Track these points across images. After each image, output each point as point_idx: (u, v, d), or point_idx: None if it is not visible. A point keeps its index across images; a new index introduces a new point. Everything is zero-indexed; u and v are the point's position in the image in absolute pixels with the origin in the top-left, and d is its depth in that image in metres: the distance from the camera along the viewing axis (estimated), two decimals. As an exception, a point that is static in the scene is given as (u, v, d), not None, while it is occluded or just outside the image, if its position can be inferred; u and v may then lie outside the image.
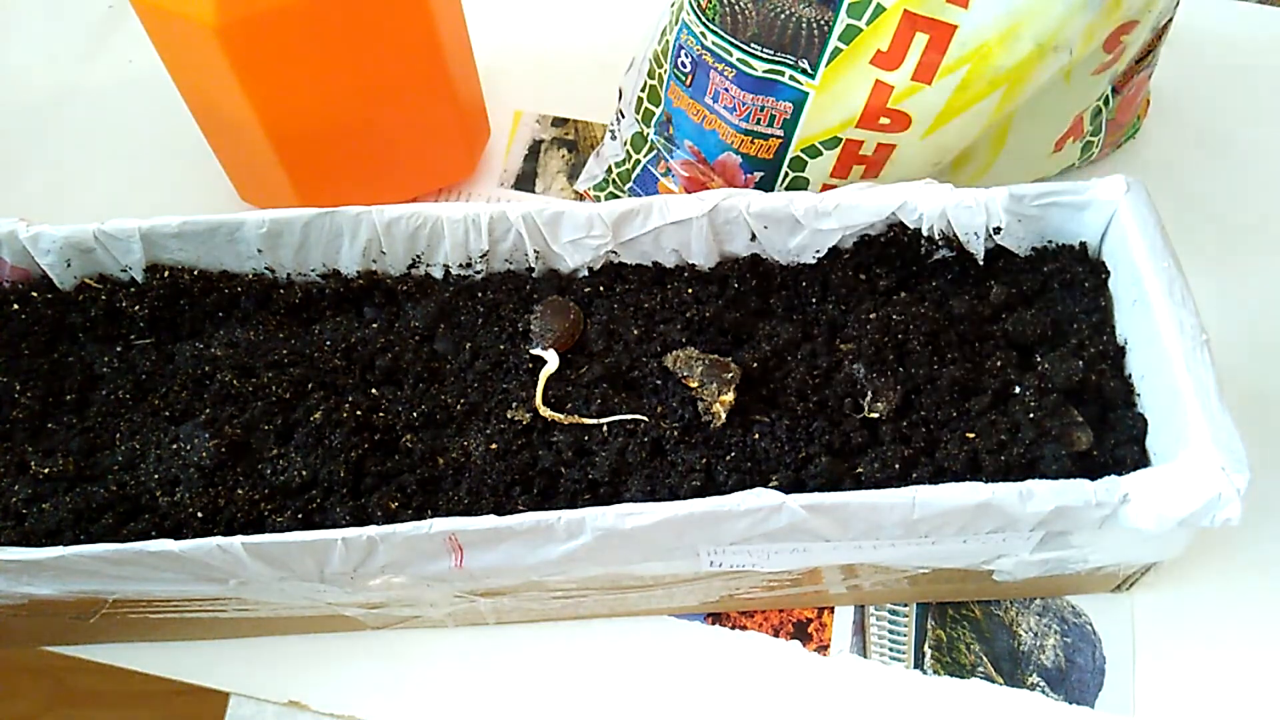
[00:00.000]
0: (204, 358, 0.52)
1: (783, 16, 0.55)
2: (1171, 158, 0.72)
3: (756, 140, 0.59)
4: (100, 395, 0.51)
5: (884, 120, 0.56)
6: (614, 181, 0.69)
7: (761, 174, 0.61)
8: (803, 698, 0.53)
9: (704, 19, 0.57)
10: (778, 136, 0.58)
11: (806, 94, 0.56)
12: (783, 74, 0.56)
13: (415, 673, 0.54)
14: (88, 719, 0.54)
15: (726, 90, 0.58)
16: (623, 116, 0.68)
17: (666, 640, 0.54)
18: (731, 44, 0.56)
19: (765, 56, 0.56)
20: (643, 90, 0.65)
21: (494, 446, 0.48)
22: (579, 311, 0.53)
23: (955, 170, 0.61)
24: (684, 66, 0.60)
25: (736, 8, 0.55)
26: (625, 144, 0.68)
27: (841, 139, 0.57)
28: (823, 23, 0.54)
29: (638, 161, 0.67)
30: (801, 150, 0.59)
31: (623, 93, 0.68)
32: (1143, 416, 0.48)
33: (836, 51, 0.55)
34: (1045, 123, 0.62)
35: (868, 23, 0.54)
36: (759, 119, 0.58)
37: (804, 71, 0.55)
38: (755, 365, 0.50)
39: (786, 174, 0.60)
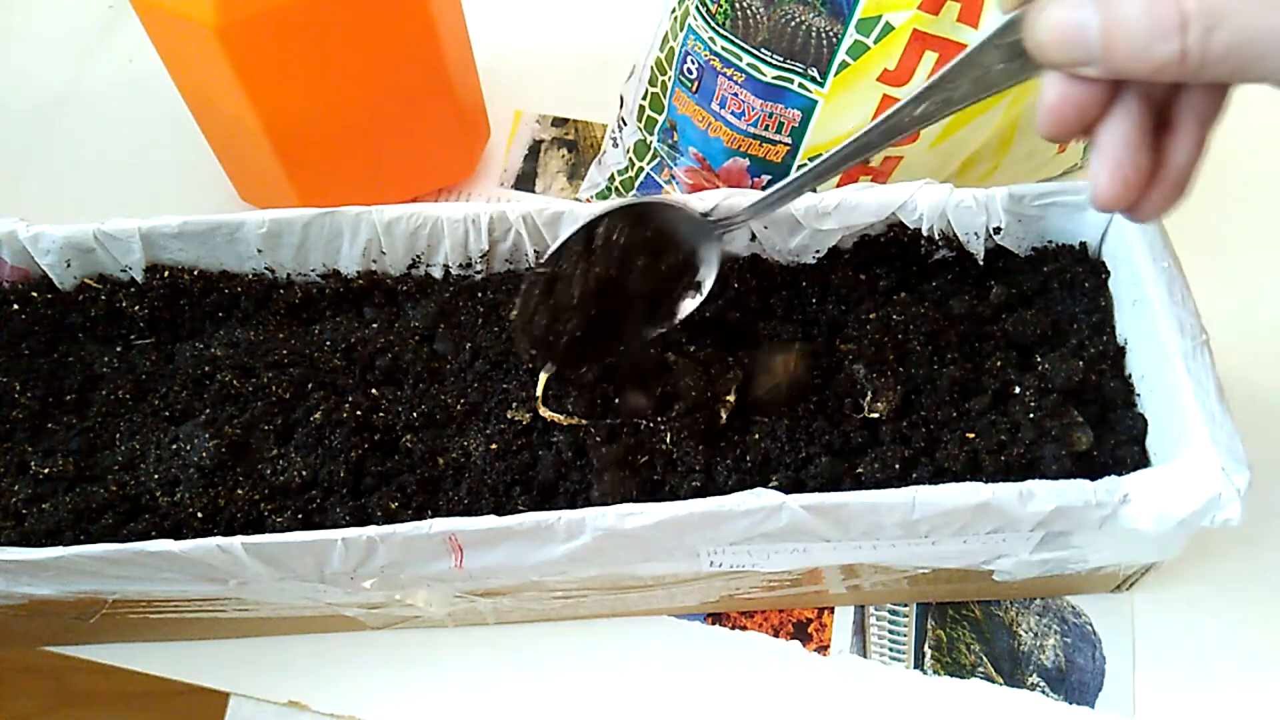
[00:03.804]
0: (204, 358, 0.52)
1: (793, 24, 0.54)
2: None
3: (765, 144, 0.59)
4: (100, 395, 0.51)
5: None
6: (617, 190, 0.69)
7: (770, 178, 0.60)
8: (803, 698, 0.53)
9: (713, 24, 0.57)
10: (785, 143, 0.58)
11: (815, 102, 0.56)
12: (792, 81, 0.56)
13: (415, 673, 0.54)
14: (88, 719, 0.54)
15: (735, 95, 0.57)
16: (625, 124, 0.68)
17: (666, 640, 0.54)
18: (742, 49, 0.56)
19: (775, 63, 0.56)
20: (644, 98, 0.65)
21: (494, 446, 0.48)
22: (579, 311, 0.53)
23: (962, 174, 0.61)
24: (690, 73, 0.60)
25: (747, 13, 0.55)
26: (628, 152, 0.68)
27: None
28: (832, 34, 0.54)
29: (641, 169, 0.67)
30: (809, 159, 0.59)
31: (624, 100, 0.68)
32: (1143, 416, 0.48)
33: (844, 65, 0.55)
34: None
35: (876, 40, 0.53)
36: (767, 125, 0.58)
37: (813, 80, 0.55)
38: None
39: None
